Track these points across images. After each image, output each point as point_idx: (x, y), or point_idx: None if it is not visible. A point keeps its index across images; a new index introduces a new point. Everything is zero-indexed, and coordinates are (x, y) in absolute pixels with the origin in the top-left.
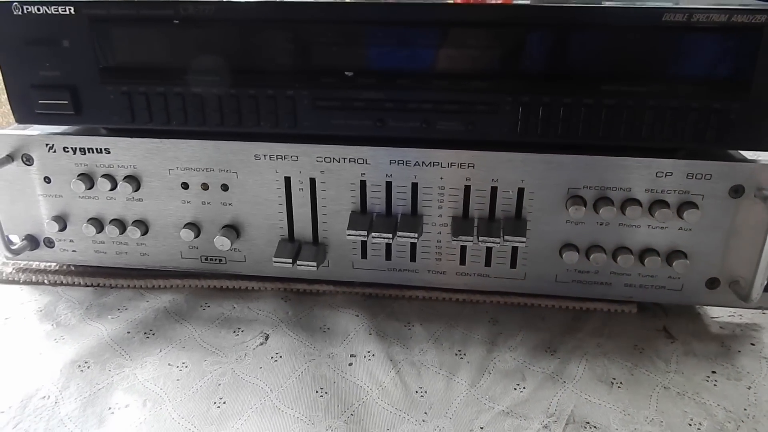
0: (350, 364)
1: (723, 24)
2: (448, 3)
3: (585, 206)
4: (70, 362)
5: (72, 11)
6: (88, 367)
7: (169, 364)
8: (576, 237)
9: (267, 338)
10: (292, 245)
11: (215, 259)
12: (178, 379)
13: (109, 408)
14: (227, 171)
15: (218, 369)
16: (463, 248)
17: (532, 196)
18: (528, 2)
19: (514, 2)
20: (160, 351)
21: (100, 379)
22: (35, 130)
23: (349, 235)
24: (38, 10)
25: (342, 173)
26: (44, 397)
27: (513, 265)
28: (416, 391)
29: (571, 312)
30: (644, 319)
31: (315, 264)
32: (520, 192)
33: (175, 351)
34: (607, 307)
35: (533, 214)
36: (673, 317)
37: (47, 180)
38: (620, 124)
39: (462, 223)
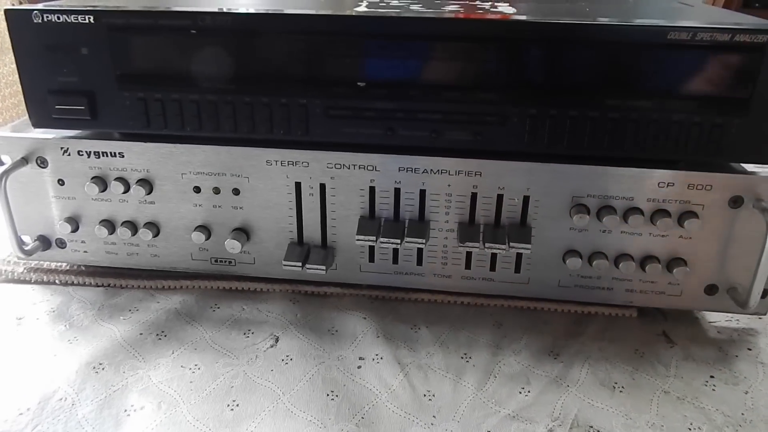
0: (359, 367)
1: (726, 43)
2: (457, 18)
3: (588, 214)
4: (85, 364)
5: (91, 20)
6: (103, 369)
7: (181, 366)
8: (579, 244)
9: (277, 340)
10: (301, 249)
11: (225, 261)
12: (191, 381)
13: (125, 410)
14: (239, 176)
15: (230, 371)
16: (469, 253)
17: (537, 204)
18: (536, 18)
19: (524, 18)
20: (173, 353)
21: (115, 381)
22: (50, 133)
23: (358, 240)
24: (58, 18)
25: (352, 179)
26: (61, 399)
27: (517, 270)
28: (424, 395)
29: (573, 315)
30: (644, 324)
31: (324, 267)
32: (526, 200)
33: (187, 353)
34: (608, 311)
35: (538, 221)
36: (673, 322)
37: (61, 182)
38: (624, 137)
39: (468, 230)
